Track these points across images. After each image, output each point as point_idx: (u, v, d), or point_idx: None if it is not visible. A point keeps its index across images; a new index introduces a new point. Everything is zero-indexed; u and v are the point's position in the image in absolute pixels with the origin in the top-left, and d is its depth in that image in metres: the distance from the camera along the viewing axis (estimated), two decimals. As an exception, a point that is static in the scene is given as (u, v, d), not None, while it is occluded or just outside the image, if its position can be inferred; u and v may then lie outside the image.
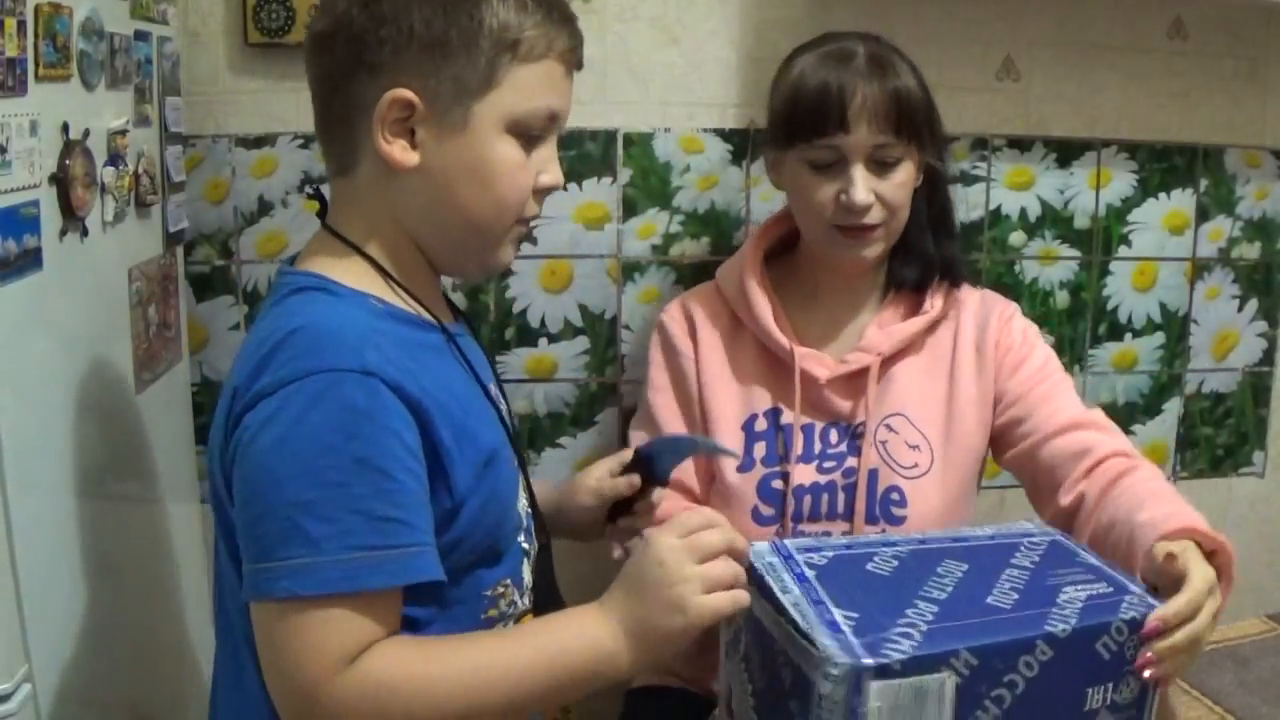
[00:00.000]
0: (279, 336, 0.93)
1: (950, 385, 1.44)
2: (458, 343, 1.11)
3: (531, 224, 1.13)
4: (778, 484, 1.41)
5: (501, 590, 1.08)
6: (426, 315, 1.09)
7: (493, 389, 1.16)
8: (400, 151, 1.01)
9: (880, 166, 1.34)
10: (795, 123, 1.36)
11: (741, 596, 0.96)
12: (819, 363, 1.42)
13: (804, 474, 1.39)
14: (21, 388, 1.25)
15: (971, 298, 1.48)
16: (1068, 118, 2.10)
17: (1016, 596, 0.97)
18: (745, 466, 1.42)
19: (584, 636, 0.95)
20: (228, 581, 1.03)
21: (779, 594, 0.95)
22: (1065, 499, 1.31)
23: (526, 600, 1.13)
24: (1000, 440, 1.45)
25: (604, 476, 1.29)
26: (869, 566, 1.03)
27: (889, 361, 1.43)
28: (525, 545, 1.14)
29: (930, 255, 1.45)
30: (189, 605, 1.92)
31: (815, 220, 1.39)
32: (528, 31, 1.01)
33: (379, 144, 1.01)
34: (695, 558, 0.95)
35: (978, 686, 0.88)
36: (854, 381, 1.43)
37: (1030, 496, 1.41)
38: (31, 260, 1.26)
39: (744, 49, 1.99)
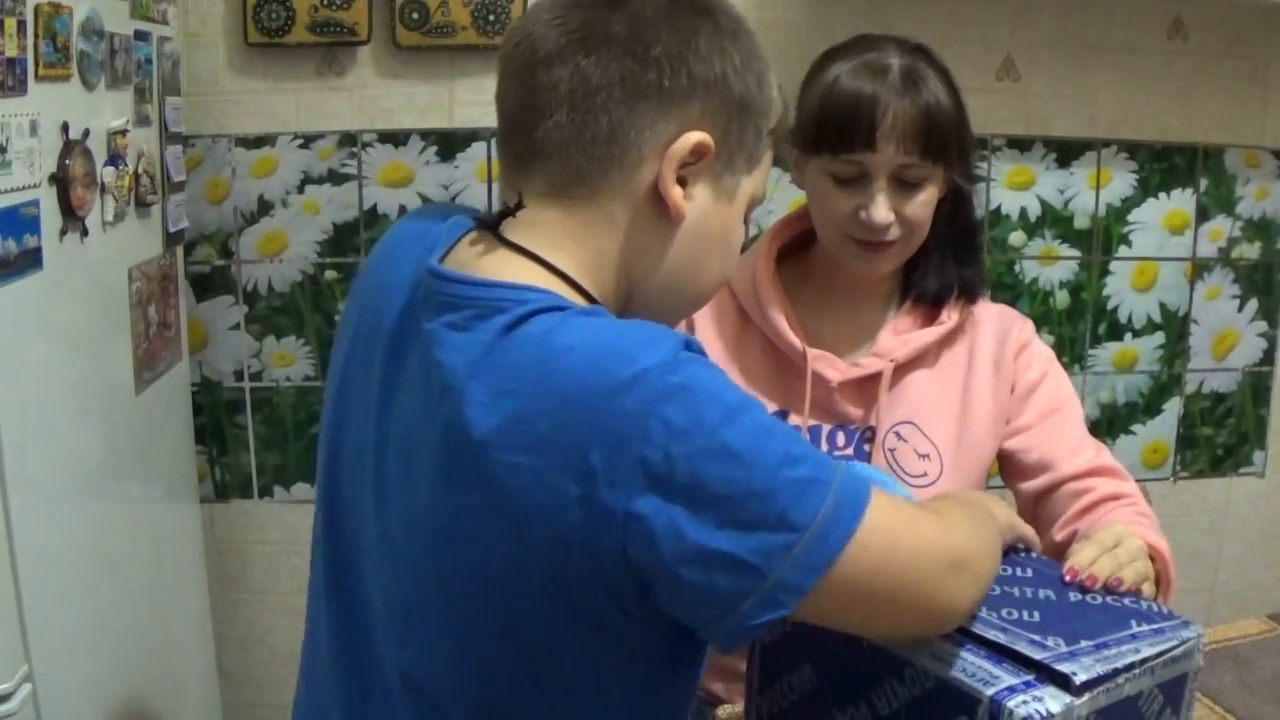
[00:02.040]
0: (594, 356, 0.78)
1: (964, 396, 1.42)
2: None
3: None
4: None
5: None
6: None
7: None
8: (680, 197, 0.89)
9: (904, 185, 1.32)
10: (822, 134, 1.34)
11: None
12: (831, 365, 1.41)
13: None
14: (21, 388, 1.25)
15: (989, 313, 1.46)
16: (1068, 118, 2.10)
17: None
18: None
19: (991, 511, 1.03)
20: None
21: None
22: (1059, 535, 1.32)
23: None
24: (1008, 465, 1.44)
25: None
26: None
27: (901, 370, 1.41)
28: None
29: (950, 273, 1.43)
30: (188, 604, 1.92)
31: (832, 229, 1.38)
32: (779, 117, 0.97)
33: (664, 183, 0.88)
34: None
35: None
36: (865, 386, 1.41)
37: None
38: (31, 260, 1.26)
39: (744, 49, 1.98)
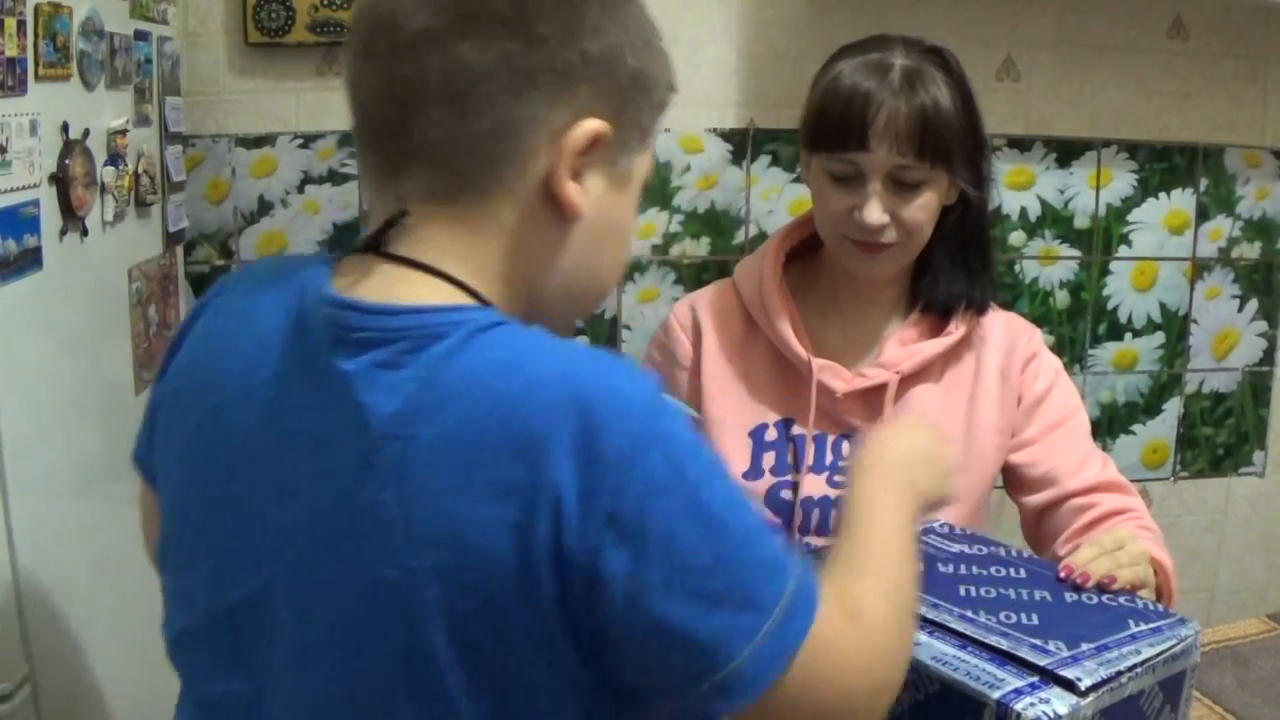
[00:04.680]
0: (573, 389, 0.70)
1: (969, 408, 1.41)
2: None
3: None
4: (786, 494, 1.38)
5: None
6: None
7: None
8: (577, 194, 0.80)
9: (901, 187, 1.31)
10: (819, 132, 1.33)
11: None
12: (836, 375, 1.40)
13: (814, 485, 1.37)
14: (21, 388, 1.25)
15: (996, 322, 1.45)
16: (1068, 118, 2.10)
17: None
18: (753, 475, 1.39)
19: (899, 509, 0.92)
20: None
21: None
22: (1063, 550, 1.31)
23: None
24: (1013, 477, 1.43)
25: None
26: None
27: (907, 381, 1.40)
28: None
29: (960, 282, 1.41)
30: (189, 605, 1.92)
31: (830, 229, 1.37)
32: (669, 82, 0.88)
33: (558, 181, 0.79)
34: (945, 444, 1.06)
35: None
36: (870, 397, 1.40)
37: (1026, 534, 1.41)
38: (31, 260, 1.26)
39: (743, 49, 1.98)
